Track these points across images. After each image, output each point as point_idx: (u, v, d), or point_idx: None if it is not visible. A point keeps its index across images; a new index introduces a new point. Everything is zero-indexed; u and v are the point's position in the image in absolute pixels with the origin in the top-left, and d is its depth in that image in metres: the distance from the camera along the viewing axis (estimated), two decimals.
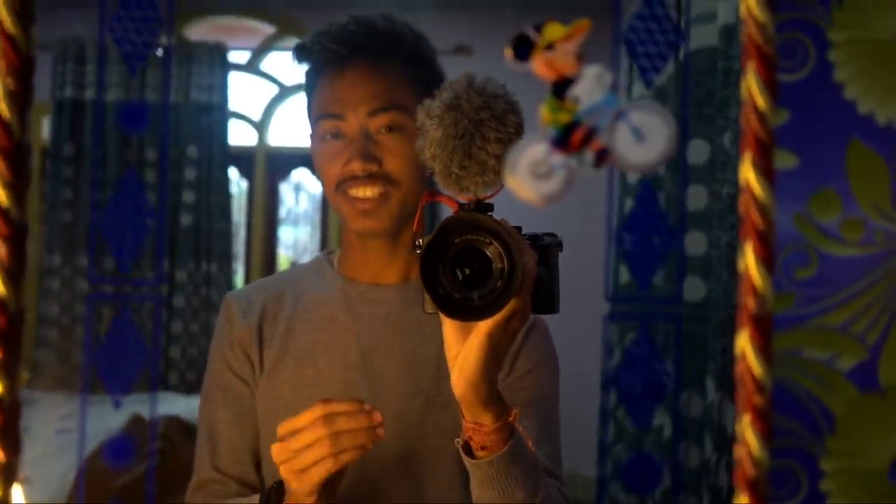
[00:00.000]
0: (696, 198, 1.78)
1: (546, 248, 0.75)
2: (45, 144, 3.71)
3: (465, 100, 0.64)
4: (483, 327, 0.68)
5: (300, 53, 0.95)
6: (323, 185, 0.95)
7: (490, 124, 0.63)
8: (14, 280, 0.32)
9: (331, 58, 0.92)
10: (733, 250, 1.72)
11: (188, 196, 3.55)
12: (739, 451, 0.30)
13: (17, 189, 0.32)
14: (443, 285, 0.66)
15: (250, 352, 0.96)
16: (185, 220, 3.55)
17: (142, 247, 0.30)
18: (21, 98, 0.31)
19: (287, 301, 0.98)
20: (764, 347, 0.31)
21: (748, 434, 0.30)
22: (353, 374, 0.92)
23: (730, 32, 1.66)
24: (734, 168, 1.70)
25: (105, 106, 3.52)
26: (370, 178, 0.89)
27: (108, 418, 2.45)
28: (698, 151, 1.81)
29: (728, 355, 1.71)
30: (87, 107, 3.50)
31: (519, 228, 0.72)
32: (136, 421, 2.52)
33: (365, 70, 0.90)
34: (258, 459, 0.96)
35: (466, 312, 0.66)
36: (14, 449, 0.31)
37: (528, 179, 0.31)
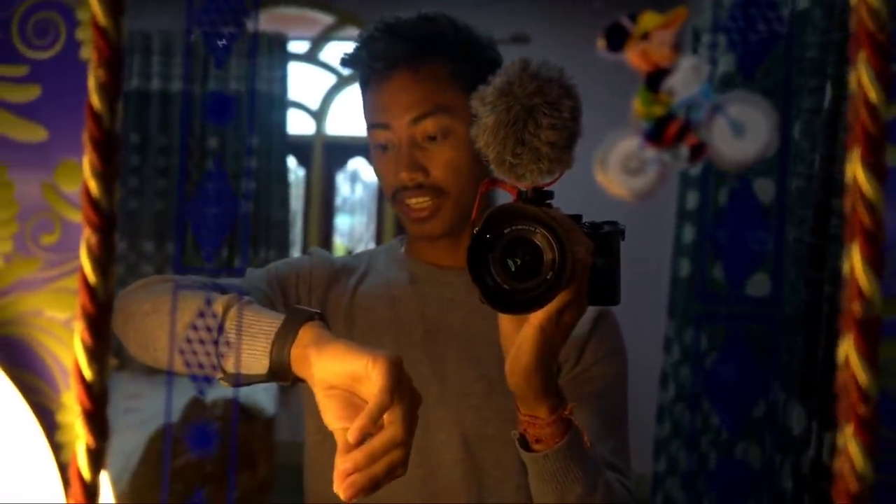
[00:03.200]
0: (764, 192, 1.72)
1: (606, 236, 0.73)
2: None
3: (518, 85, 0.62)
4: (535, 319, 0.67)
5: (345, 64, 0.95)
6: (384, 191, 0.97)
7: (543, 110, 0.62)
8: (103, 269, 0.32)
9: (372, 71, 0.92)
10: (801, 246, 1.67)
11: (248, 185, 3.62)
12: (841, 465, 0.29)
13: (107, 179, 0.32)
14: (492, 276, 0.65)
15: (306, 292, 0.94)
16: (245, 208, 3.61)
17: (226, 236, 0.31)
18: (111, 89, 0.32)
19: (358, 276, 0.99)
20: (870, 354, 0.29)
21: (851, 446, 0.29)
22: (416, 353, 0.92)
23: (802, 18, 1.60)
24: (804, 160, 1.64)
25: (171, 96, 3.61)
26: (419, 188, 0.90)
27: (173, 398, 2.52)
28: None
29: (794, 354, 1.65)
30: (154, 97, 3.60)
31: (578, 217, 0.70)
32: (195, 403, 2.59)
33: (407, 77, 0.89)
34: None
35: (514, 305, 0.65)
36: (103, 435, 0.32)
37: (619, 175, 0.30)
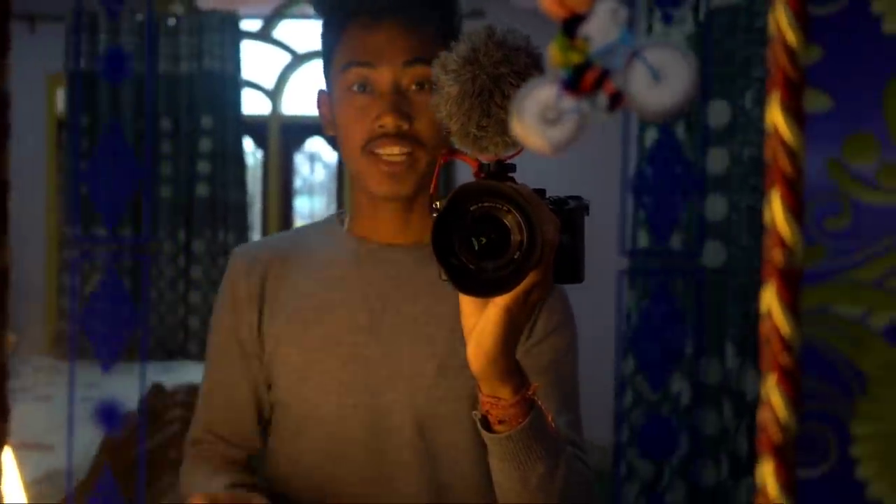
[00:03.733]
0: (718, 160, 1.74)
1: (571, 212, 0.70)
2: (61, 116, 3.72)
3: (484, 53, 0.60)
4: (500, 300, 0.65)
5: (323, 5, 0.92)
6: (344, 145, 0.90)
7: (510, 80, 0.59)
8: None
9: (360, 10, 0.88)
10: (755, 214, 1.69)
11: (203, 167, 3.55)
12: (765, 415, 0.28)
13: None
14: (456, 255, 0.62)
15: (250, 314, 0.94)
16: (201, 190, 3.55)
17: (125, 207, 0.29)
18: None
19: (294, 261, 0.96)
20: (792, 304, 0.28)
21: (774, 396, 0.28)
22: (363, 336, 0.90)
23: None
24: (757, 130, 1.66)
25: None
26: (400, 136, 0.85)
27: (132, 386, 2.48)
28: (719, 113, 1.77)
29: (749, 321, 1.68)
30: (102, 78, 3.49)
31: (542, 192, 0.68)
32: (157, 390, 2.55)
33: (398, 23, 0.86)
34: (259, 417, 0.96)
35: (480, 286, 0.63)
36: (3, 415, 0.30)
37: (537, 125, 0.29)
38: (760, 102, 1.51)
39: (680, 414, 1.88)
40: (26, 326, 3.47)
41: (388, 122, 0.85)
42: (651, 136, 1.76)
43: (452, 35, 0.85)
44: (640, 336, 0.33)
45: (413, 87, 0.86)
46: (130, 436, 1.97)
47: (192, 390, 2.64)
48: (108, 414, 0.28)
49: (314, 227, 1.03)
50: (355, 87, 0.87)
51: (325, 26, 0.93)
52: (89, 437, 2.31)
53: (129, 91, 3.51)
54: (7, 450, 0.31)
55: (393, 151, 0.85)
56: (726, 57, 1.76)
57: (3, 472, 0.30)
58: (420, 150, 0.86)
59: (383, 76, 0.86)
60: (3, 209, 0.30)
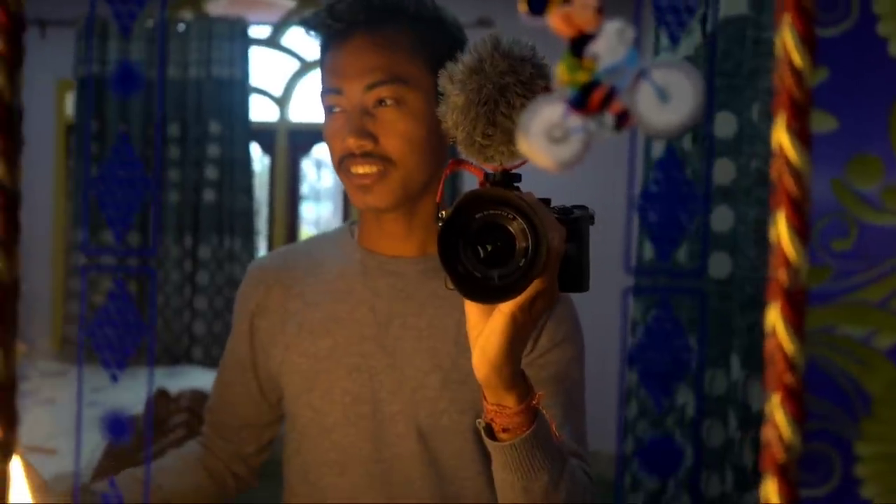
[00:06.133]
0: (724, 172, 1.73)
1: (576, 221, 0.71)
2: (70, 121, 3.74)
3: (489, 63, 0.61)
4: (506, 308, 0.65)
5: (306, 29, 0.93)
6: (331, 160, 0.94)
7: (516, 89, 0.60)
8: (8, 250, 0.31)
9: (332, 32, 0.90)
10: (761, 226, 1.68)
11: (211, 172, 3.56)
12: (769, 434, 0.28)
13: (10, 155, 0.30)
14: (462, 263, 0.62)
15: (259, 325, 0.99)
16: (208, 196, 3.56)
17: (135, 216, 0.29)
18: (11, 59, 0.30)
19: (305, 272, 0.98)
20: (796, 323, 0.29)
21: (778, 415, 0.28)
22: (369, 347, 0.91)
23: (761, 0, 1.61)
24: (763, 141, 1.65)
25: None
26: (365, 156, 0.87)
27: (138, 391, 2.48)
28: (726, 124, 1.77)
29: (755, 333, 1.68)
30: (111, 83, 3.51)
31: (547, 201, 0.68)
32: (161, 395, 2.56)
33: (363, 43, 0.88)
34: (247, 423, 1.02)
35: (486, 293, 0.63)
36: (11, 424, 0.30)
37: (543, 143, 0.29)
38: (768, 114, 1.51)
39: (685, 425, 1.87)
40: (32, 330, 3.49)
41: (351, 143, 0.87)
42: (658, 147, 1.76)
43: (438, 46, 0.87)
44: (643, 350, 0.33)
45: (378, 104, 0.88)
46: (135, 441, 1.97)
47: (196, 395, 2.65)
48: (114, 423, 0.29)
49: (326, 238, 1.04)
50: (331, 111, 0.91)
51: (320, 47, 0.95)
52: (94, 442, 2.32)
53: (138, 96, 3.53)
54: (16, 458, 0.31)
55: (359, 172, 0.88)
56: (733, 68, 1.76)
57: (12, 480, 0.30)
58: (389, 166, 0.88)
59: (350, 100, 0.88)
60: (15, 221, 0.30)
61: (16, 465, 0.31)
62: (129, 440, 0.32)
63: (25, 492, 0.41)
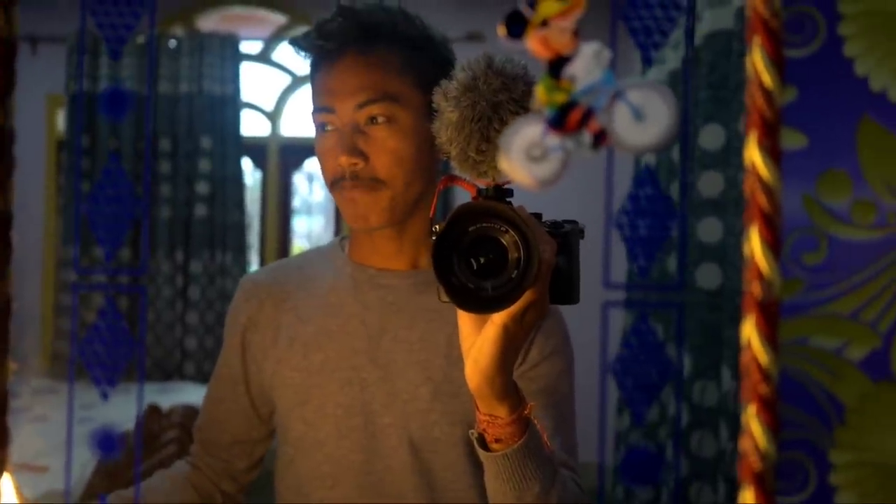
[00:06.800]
0: (712, 184, 1.75)
1: (567, 235, 0.72)
2: (61, 137, 3.74)
3: (483, 81, 0.62)
4: (498, 318, 0.66)
5: (296, 49, 0.94)
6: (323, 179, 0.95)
7: (509, 107, 0.61)
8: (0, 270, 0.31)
9: (321, 52, 0.91)
10: None
11: (202, 187, 3.56)
12: (745, 444, 0.29)
13: (1, 178, 0.31)
14: (456, 275, 0.63)
15: (251, 339, 0.99)
16: (200, 211, 3.56)
17: (125, 235, 0.30)
18: (3, 85, 0.31)
19: (297, 286, 0.99)
20: (770, 335, 0.29)
21: (754, 425, 0.29)
22: (361, 360, 0.92)
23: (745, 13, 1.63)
24: None
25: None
26: (356, 179, 0.88)
27: (129, 407, 2.47)
28: (713, 136, 1.78)
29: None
30: (101, 106, 3.52)
31: (539, 215, 0.70)
32: (152, 411, 2.54)
33: (354, 62, 0.89)
34: (238, 439, 1.01)
35: (479, 304, 0.64)
36: (2, 442, 0.31)
37: (523, 162, 0.30)
38: None
39: (676, 436, 1.88)
40: (23, 347, 3.46)
41: (343, 161, 0.87)
42: (629, 164, 1.77)
43: (428, 64, 0.88)
44: (624, 362, 0.34)
45: (369, 122, 0.88)
46: (126, 457, 1.96)
47: (188, 411, 2.63)
48: (105, 440, 0.29)
49: (318, 252, 1.05)
50: (322, 129, 0.91)
51: (310, 66, 0.95)
52: (84, 459, 2.30)
53: (129, 111, 3.52)
54: (6, 476, 0.31)
55: (353, 195, 0.88)
56: (720, 81, 1.78)
57: (4, 497, 0.31)
58: (380, 186, 0.88)
59: (342, 119, 0.89)
60: (7, 241, 0.31)
61: (6, 483, 0.31)
62: (120, 457, 0.32)
63: None
